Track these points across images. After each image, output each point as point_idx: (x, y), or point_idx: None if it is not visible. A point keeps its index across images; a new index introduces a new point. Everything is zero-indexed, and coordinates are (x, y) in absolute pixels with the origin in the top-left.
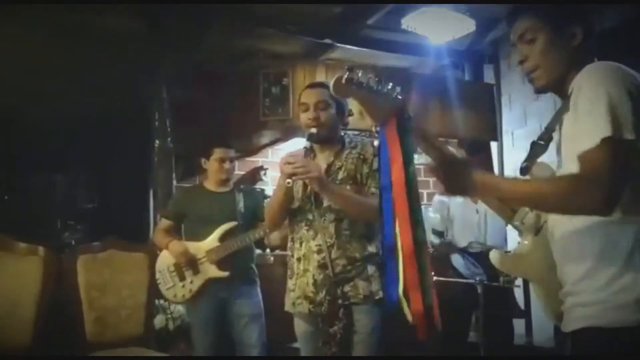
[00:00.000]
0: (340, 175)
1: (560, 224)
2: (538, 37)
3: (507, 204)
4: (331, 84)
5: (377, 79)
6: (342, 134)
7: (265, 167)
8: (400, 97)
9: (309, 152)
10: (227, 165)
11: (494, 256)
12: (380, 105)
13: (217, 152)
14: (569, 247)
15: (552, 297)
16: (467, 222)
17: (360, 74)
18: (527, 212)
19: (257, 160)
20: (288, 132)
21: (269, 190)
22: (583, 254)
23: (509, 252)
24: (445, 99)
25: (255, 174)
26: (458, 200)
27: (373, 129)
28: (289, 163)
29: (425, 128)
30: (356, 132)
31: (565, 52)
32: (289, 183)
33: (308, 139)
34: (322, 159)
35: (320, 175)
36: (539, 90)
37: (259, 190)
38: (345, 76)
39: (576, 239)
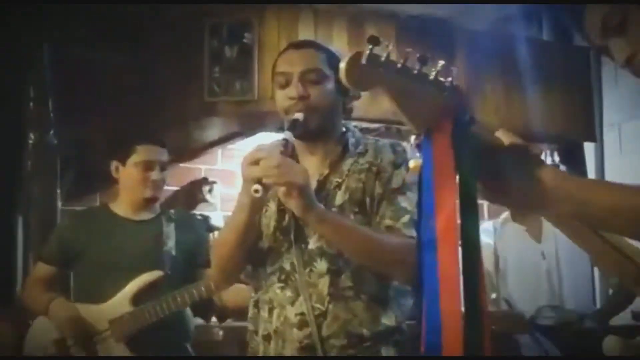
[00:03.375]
0: (339, 197)
1: None
2: None
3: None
4: (342, 67)
5: (419, 57)
6: (344, 129)
7: (211, 179)
8: (456, 86)
9: (287, 149)
10: (154, 174)
11: (611, 345)
12: (426, 100)
13: (139, 153)
14: None
15: None
16: (529, 274)
17: (390, 47)
18: None
19: (198, 168)
20: (251, 122)
21: (218, 217)
22: None
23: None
24: (510, 72)
25: (195, 192)
26: (509, 240)
27: (412, 141)
28: (257, 160)
29: (492, 134)
30: (366, 126)
31: None
32: (257, 192)
33: (289, 129)
34: (311, 170)
35: (306, 184)
36: None
37: (200, 217)
38: (368, 52)
39: None
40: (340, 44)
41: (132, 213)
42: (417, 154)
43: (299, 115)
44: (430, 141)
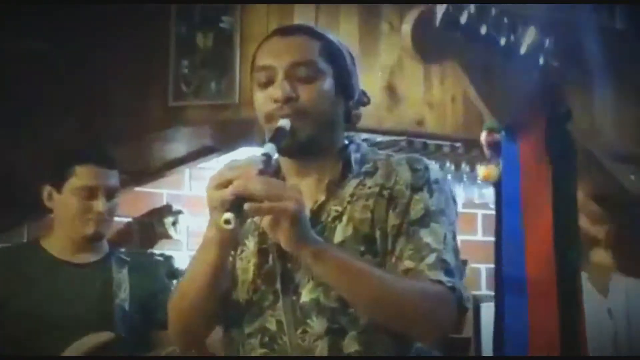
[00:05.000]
0: (340, 233)
1: None
2: None
3: None
4: (407, 30)
5: (507, 23)
6: (346, 141)
7: (176, 208)
8: (555, 67)
9: (269, 168)
10: (99, 204)
11: None
12: (514, 83)
13: (80, 176)
14: None
15: None
16: (591, 337)
17: (472, 9)
18: None
19: (159, 193)
20: (230, 134)
21: (185, 258)
22: None
23: None
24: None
25: (154, 225)
26: None
27: (483, 139)
28: (227, 182)
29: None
30: (381, 140)
31: None
32: (228, 223)
33: (272, 141)
34: (303, 195)
35: (300, 209)
36: None
37: (161, 259)
38: (443, 11)
39: None
40: (349, 28)
41: (70, 254)
42: (491, 158)
43: (284, 123)
44: (515, 139)
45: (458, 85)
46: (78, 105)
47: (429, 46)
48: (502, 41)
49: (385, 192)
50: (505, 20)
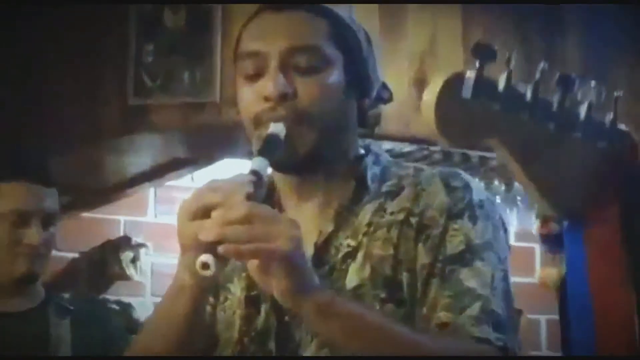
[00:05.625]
0: (354, 275)
1: None
2: None
3: None
4: (429, 101)
5: (559, 77)
6: (362, 150)
7: (136, 240)
8: (626, 132)
9: (259, 189)
10: (31, 234)
11: None
12: (574, 161)
13: (5, 196)
14: None
15: None
16: None
17: (512, 62)
18: None
19: (115, 220)
20: (208, 142)
21: (147, 306)
22: None
23: None
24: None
25: (108, 261)
26: None
27: (536, 231)
28: (205, 210)
29: None
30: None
31: None
32: (206, 268)
33: (262, 154)
34: (304, 225)
35: (297, 249)
36: None
37: (116, 307)
38: (474, 76)
39: None
40: (366, 6)
41: None
42: (549, 252)
43: (277, 129)
44: (582, 233)
45: None
46: (7, 105)
47: (458, 124)
48: (555, 105)
49: (413, 220)
50: (558, 75)
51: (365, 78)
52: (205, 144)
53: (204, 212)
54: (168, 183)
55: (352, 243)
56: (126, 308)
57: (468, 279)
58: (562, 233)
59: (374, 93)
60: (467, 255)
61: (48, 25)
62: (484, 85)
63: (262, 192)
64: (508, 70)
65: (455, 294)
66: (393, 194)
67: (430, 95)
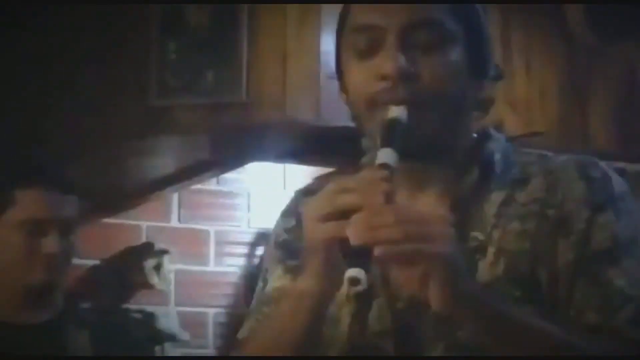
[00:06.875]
0: (486, 271)
1: None
2: None
3: None
4: None
5: None
6: (474, 134)
7: (159, 247)
8: None
9: (392, 185)
10: (48, 242)
11: None
12: None
13: (22, 204)
14: None
15: None
16: None
17: None
18: None
19: (137, 226)
20: (235, 143)
21: (172, 316)
22: None
23: None
24: None
25: (130, 269)
26: None
27: None
28: (343, 210)
29: None
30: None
31: None
32: (355, 282)
33: (388, 144)
34: None
35: (455, 252)
36: None
37: (138, 316)
38: None
39: None
40: None
41: (11, 310)
42: None
43: (399, 113)
44: None
45: (549, 74)
46: (17, 105)
47: None
48: None
49: (550, 212)
50: None
51: (485, 56)
52: (232, 146)
53: (341, 215)
54: (192, 187)
55: (480, 236)
56: (149, 318)
57: (617, 277)
58: None
59: (492, 72)
60: (615, 253)
61: (68, 25)
62: None
63: (394, 188)
64: None
65: (605, 294)
66: (521, 183)
67: None
